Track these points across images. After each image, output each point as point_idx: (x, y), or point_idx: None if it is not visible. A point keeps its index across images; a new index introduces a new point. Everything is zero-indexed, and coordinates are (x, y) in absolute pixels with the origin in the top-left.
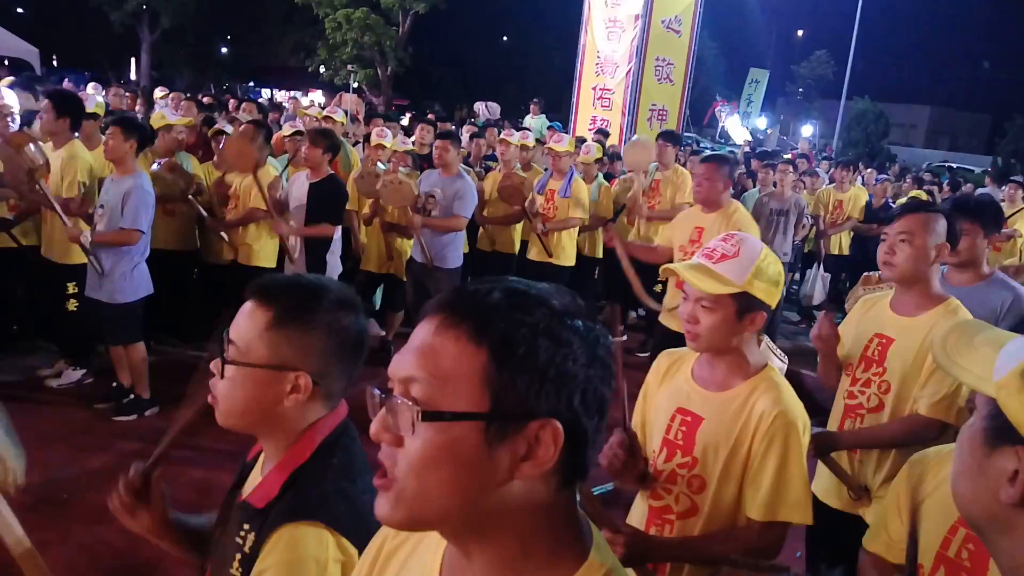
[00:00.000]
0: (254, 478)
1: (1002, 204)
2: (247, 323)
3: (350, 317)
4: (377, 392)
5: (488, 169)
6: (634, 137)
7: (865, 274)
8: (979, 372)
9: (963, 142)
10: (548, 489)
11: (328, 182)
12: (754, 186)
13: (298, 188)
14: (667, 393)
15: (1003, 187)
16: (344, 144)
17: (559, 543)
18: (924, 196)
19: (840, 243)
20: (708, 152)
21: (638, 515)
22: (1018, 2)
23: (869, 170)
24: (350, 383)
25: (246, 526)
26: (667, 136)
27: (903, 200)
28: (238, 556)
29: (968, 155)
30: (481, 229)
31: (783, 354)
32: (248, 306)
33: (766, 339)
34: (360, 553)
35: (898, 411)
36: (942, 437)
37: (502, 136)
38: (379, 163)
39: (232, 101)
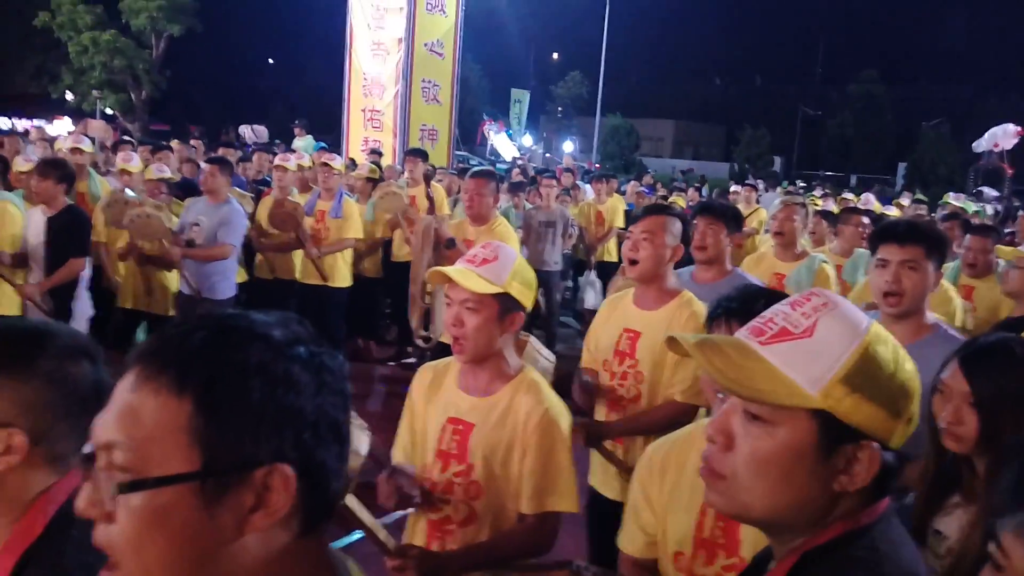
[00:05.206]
0: None
1: (739, 205)
2: None
3: (81, 366)
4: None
5: (260, 193)
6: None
7: (622, 265)
8: (785, 390)
9: (704, 151)
10: (290, 535)
11: (66, 213)
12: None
13: (35, 225)
14: (436, 406)
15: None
16: (92, 175)
17: None
18: (682, 202)
19: (608, 250)
20: (476, 168)
21: (418, 531)
22: (740, 27)
23: (632, 182)
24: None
25: None
26: (415, 152)
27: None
28: None
29: (709, 163)
30: (259, 256)
31: (550, 353)
32: None
33: (532, 340)
34: None
35: (654, 398)
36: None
37: (277, 162)
38: (127, 190)
39: None
